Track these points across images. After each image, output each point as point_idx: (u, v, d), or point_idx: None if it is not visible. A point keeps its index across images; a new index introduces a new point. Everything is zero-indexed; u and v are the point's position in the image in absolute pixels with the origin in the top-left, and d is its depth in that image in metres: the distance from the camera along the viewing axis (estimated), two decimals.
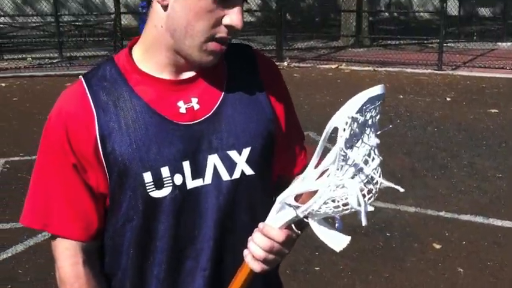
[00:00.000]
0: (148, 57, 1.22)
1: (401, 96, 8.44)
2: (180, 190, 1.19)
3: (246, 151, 1.23)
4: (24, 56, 11.43)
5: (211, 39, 1.15)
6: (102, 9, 15.88)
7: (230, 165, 1.23)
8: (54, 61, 11.20)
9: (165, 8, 1.16)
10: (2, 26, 12.49)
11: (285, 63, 11.05)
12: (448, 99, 8.32)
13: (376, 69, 10.67)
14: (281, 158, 1.33)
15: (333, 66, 10.85)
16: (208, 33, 1.14)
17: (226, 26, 1.14)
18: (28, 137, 6.18)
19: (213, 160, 1.21)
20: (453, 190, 4.93)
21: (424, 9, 19.27)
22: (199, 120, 1.21)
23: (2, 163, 5.38)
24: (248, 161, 1.24)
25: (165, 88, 1.21)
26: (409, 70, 10.54)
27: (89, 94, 1.19)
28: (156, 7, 1.17)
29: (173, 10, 1.15)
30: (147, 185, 1.18)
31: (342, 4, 14.03)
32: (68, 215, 1.23)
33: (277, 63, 10.44)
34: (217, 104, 1.23)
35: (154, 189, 1.18)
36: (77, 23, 14.12)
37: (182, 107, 1.20)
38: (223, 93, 1.24)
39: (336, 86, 9.17)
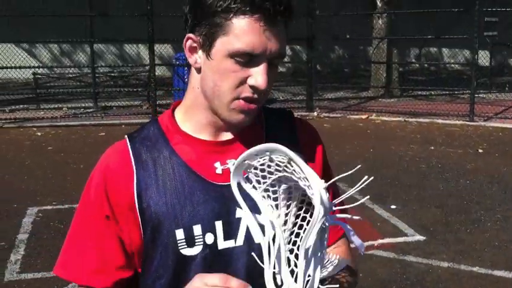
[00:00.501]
0: (189, 117, 1.27)
1: (433, 148, 8.37)
2: (210, 249, 1.21)
3: None
4: (60, 105, 11.76)
5: (238, 98, 1.18)
6: (137, 61, 16.30)
7: (263, 228, 1.23)
8: (89, 111, 11.48)
9: (198, 70, 1.22)
10: (39, 76, 12.89)
11: (315, 114, 11.12)
12: (480, 150, 8.22)
13: (406, 119, 10.64)
14: None
15: (363, 117, 10.87)
16: (233, 93, 1.17)
17: (251, 86, 1.16)
18: (61, 186, 6.30)
19: (246, 222, 1.22)
20: (487, 245, 4.81)
21: (455, 60, 19.27)
22: None
23: (35, 212, 5.47)
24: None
25: (204, 149, 1.24)
26: (440, 121, 10.48)
27: (131, 151, 1.24)
28: (192, 70, 1.24)
29: (204, 72, 1.20)
30: (178, 242, 1.20)
31: (372, 55, 14.13)
32: (98, 269, 1.26)
33: (307, 114, 10.55)
34: None
35: (185, 246, 1.20)
36: (112, 74, 14.50)
37: (219, 168, 1.23)
38: None
39: (367, 137, 9.15)
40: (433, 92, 13.57)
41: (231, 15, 1.13)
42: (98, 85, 12.55)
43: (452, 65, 19.05)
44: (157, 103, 10.99)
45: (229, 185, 1.20)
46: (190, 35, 1.20)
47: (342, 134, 9.21)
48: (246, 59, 1.14)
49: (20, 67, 11.32)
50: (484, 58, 14.07)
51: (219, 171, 1.23)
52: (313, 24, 11.43)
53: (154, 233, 1.21)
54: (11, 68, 11.21)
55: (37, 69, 12.68)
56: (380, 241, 4.86)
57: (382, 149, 8.23)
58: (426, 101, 12.49)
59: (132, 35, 12.61)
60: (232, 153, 1.24)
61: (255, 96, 1.17)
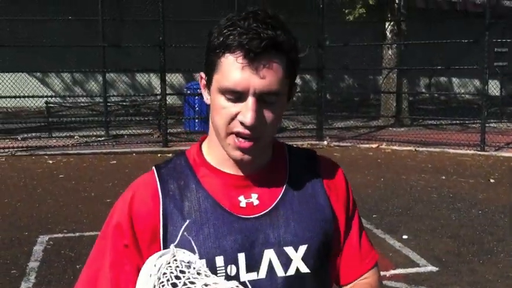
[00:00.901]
0: (212, 150, 1.31)
1: (444, 177, 8.33)
2: None
3: (303, 248, 1.26)
4: (72, 134, 11.85)
5: (230, 134, 1.21)
6: (148, 90, 16.44)
7: (286, 262, 1.25)
8: (101, 139, 11.55)
9: (210, 106, 1.27)
10: (52, 105, 13.03)
11: (325, 142, 11.12)
12: (492, 180, 8.17)
13: (417, 149, 10.62)
14: (336, 262, 1.35)
15: (374, 146, 10.86)
16: (226, 128, 1.20)
17: (240, 122, 1.19)
18: (72, 215, 6.32)
19: (269, 255, 1.24)
20: (500, 276, 4.76)
21: (465, 90, 19.29)
22: (257, 215, 1.26)
23: (46, 240, 5.48)
24: (304, 259, 1.26)
25: (228, 182, 1.28)
26: (451, 150, 10.45)
27: (158, 182, 1.28)
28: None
29: (210, 108, 1.26)
30: None
31: (382, 85, 14.18)
32: None
33: (317, 142, 10.55)
34: (276, 201, 1.28)
35: None
36: (124, 103, 14.62)
37: (242, 201, 1.27)
38: (282, 190, 1.29)
39: (377, 166, 9.14)
40: (443, 122, 13.55)
41: (220, 54, 1.18)
42: (109, 114, 12.66)
43: (463, 95, 19.06)
44: (168, 131, 11.06)
45: (253, 218, 1.25)
46: (201, 73, 1.28)
47: (352, 163, 9.20)
48: (233, 96, 1.18)
49: (32, 96, 11.45)
50: (494, 88, 14.08)
51: (243, 204, 1.26)
52: (323, 54, 11.51)
53: None
54: (24, 97, 11.33)
55: (49, 98, 12.82)
56: (392, 272, 4.82)
57: (392, 179, 8.21)
58: (437, 131, 12.47)
59: (144, 65, 12.77)
60: (255, 187, 1.28)
61: (247, 132, 1.19)
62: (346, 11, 13.56)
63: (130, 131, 12.11)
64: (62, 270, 4.73)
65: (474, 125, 12.23)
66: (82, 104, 14.13)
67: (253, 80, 1.15)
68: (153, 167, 1.32)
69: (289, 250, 1.25)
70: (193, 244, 1.19)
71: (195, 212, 1.24)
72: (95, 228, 5.82)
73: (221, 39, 1.17)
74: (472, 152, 10.31)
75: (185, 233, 1.21)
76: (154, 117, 12.68)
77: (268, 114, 1.20)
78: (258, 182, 1.28)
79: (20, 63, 12.85)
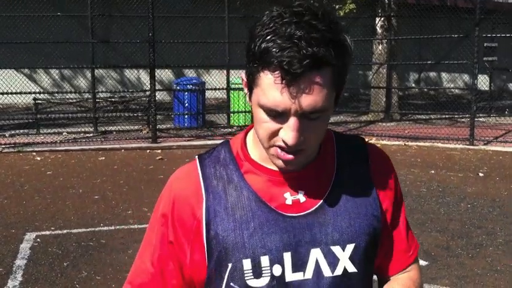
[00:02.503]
0: (256, 145, 1.24)
1: (433, 172, 8.35)
2: (278, 282, 1.18)
3: (350, 247, 1.21)
4: (60, 130, 11.77)
5: (273, 146, 1.15)
6: (137, 86, 16.36)
7: (333, 261, 1.20)
8: (89, 135, 11.48)
9: None
10: (40, 101, 12.92)
11: None
12: (480, 174, 8.19)
13: (407, 143, 10.64)
14: (381, 256, 1.31)
15: None
16: (269, 141, 1.15)
17: (282, 139, 1.13)
18: (60, 211, 6.26)
19: (316, 254, 1.20)
20: (489, 269, 4.76)
21: (455, 84, 19.35)
22: (304, 213, 1.21)
23: (33, 237, 5.42)
24: (351, 258, 1.21)
25: (273, 179, 1.22)
26: (440, 145, 10.48)
27: (201, 176, 1.24)
28: None
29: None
30: (245, 272, 1.18)
31: (371, 80, 14.19)
32: None
33: None
34: (324, 198, 1.23)
35: (252, 277, 1.18)
36: (112, 99, 14.54)
37: (288, 198, 1.22)
38: (330, 186, 1.24)
39: None
40: (433, 116, 13.60)
41: (260, 68, 1.10)
42: (98, 110, 12.58)
43: (452, 90, 19.12)
44: (157, 127, 11.01)
45: (299, 216, 1.20)
46: (243, 74, 1.20)
47: None
48: (273, 113, 1.11)
49: (20, 92, 11.34)
50: (483, 83, 14.13)
51: (288, 201, 1.21)
52: None
53: (221, 262, 1.19)
54: (12, 93, 11.23)
55: (37, 94, 12.71)
56: None
57: None
58: (426, 125, 12.50)
59: (133, 61, 12.69)
60: (302, 184, 1.23)
61: (288, 147, 1.13)
62: (337, 7, 13.53)
63: (119, 127, 12.04)
64: (49, 267, 4.69)
65: (463, 120, 12.27)
66: (70, 101, 14.02)
67: (296, 101, 1.08)
68: (196, 157, 1.28)
69: (336, 249, 1.20)
70: (238, 243, 1.17)
71: (239, 210, 1.20)
72: (82, 225, 5.79)
73: (261, 48, 1.07)
74: (461, 146, 10.34)
75: (229, 232, 1.18)
76: (144, 113, 12.61)
77: (312, 129, 1.13)
78: (305, 179, 1.23)
79: (8, 59, 12.74)
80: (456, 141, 10.57)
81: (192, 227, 1.21)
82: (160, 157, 9.30)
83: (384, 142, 10.79)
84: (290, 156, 1.14)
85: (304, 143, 1.13)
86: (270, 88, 1.09)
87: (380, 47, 13.29)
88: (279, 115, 1.10)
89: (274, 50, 1.06)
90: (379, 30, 13.34)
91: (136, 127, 12.12)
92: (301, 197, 1.22)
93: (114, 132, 11.67)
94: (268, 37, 1.07)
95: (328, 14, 1.11)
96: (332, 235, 1.20)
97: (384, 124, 12.87)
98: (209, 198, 1.21)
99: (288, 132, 1.10)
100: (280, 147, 1.14)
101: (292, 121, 1.10)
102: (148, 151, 9.89)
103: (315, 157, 1.25)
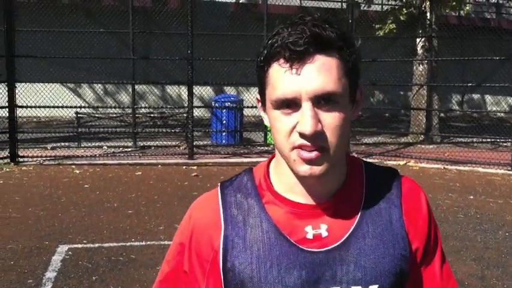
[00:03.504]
0: (279, 174, 1.21)
1: (472, 197, 8.13)
2: None
3: None
4: (100, 144, 12.00)
5: (294, 149, 1.10)
6: (178, 102, 16.58)
7: None
8: (128, 150, 11.66)
9: None
10: (82, 115, 13.22)
11: None
12: None
13: (446, 167, 10.42)
14: None
15: (401, 163, 10.69)
16: (289, 144, 1.10)
17: (300, 134, 1.08)
18: (94, 225, 6.35)
19: None
20: None
21: (499, 107, 18.91)
22: (326, 249, 1.15)
23: (65, 250, 5.50)
24: None
25: (295, 211, 1.17)
26: (480, 169, 10.22)
27: (221, 205, 1.21)
28: None
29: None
30: None
31: (411, 101, 14.00)
32: None
33: None
34: (348, 233, 1.16)
35: None
36: (152, 115, 14.77)
37: (310, 232, 1.16)
38: (356, 221, 1.17)
39: None
40: (474, 140, 13.30)
41: (266, 66, 1.11)
42: (137, 125, 12.78)
43: (495, 113, 18.69)
44: (195, 144, 11.09)
45: (320, 252, 1.15)
46: (258, 96, 1.21)
47: None
48: (288, 106, 1.08)
49: (61, 106, 11.63)
50: None
51: (309, 236, 1.15)
52: None
53: None
54: (55, 107, 11.52)
55: (79, 108, 13.01)
56: None
57: None
58: (467, 149, 12.22)
59: (173, 77, 12.86)
60: (325, 218, 1.17)
61: (309, 143, 1.07)
62: (377, 27, 13.46)
63: (157, 142, 12.19)
64: (78, 281, 4.74)
65: (506, 144, 11.95)
66: (112, 115, 14.31)
67: (303, 82, 1.05)
68: (218, 185, 1.25)
69: None
70: (254, 277, 1.13)
71: (257, 242, 1.15)
72: (114, 240, 5.85)
73: (265, 51, 1.10)
74: (502, 171, 10.06)
75: (245, 265, 1.15)
76: (182, 130, 12.74)
77: (330, 119, 1.07)
78: (329, 211, 1.17)
79: (52, 74, 13.11)
80: (497, 166, 10.29)
81: (209, 257, 1.19)
82: (195, 174, 9.35)
83: (423, 165, 10.59)
84: (312, 155, 1.07)
85: (325, 138, 1.07)
86: (278, 76, 1.08)
87: (420, 68, 13.12)
88: (291, 105, 1.07)
89: (279, 40, 1.07)
90: (419, 50, 13.18)
91: (174, 143, 12.25)
92: (323, 232, 1.16)
93: (153, 148, 11.82)
94: (272, 38, 1.10)
95: (333, 22, 1.11)
96: (354, 274, 1.14)
97: (424, 146, 12.65)
98: (228, 228, 1.18)
99: (303, 121, 1.06)
100: (300, 147, 1.08)
101: (307, 106, 1.06)
102: (184, 167, 9.97)
103: (340, 187, 1.19)
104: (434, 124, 13.45)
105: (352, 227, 1.16)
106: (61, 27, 12.88)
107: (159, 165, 10.09)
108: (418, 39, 13.21)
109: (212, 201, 1.23)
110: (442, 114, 14.60)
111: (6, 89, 10.19)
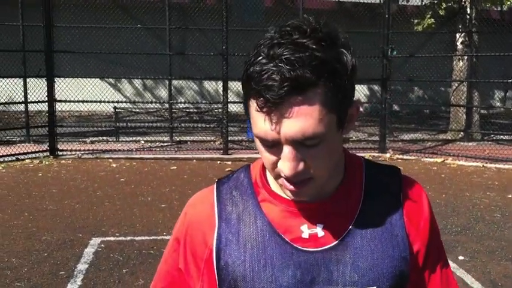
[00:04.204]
0: None
1: (510, 196, 7.92)
2: None
3: None
4: (138, 138, 12.17)
5: (280, 176, 1.07)
6: (215, 97, 16.67)
7: None
8: (164, 144, 11.79)
9: None
10: (120, 110, 13.43)
11: (387, 155, 10.86)
12: None
13: (485, 165, 10.18)
14: None
15: (439, 160, 10.50)
16: (274, 172, 1.07)
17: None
18: (127, 218, 6.45)
19: None
20: None
21: None
22: (321, 249, 1.12)
23: (97, 242, 5.60)
24: None
25: (290, 209, 1.14)
26: None
27: (216, 203, 1.19)
28: None
29: None
30: None
31: (451, 98, 13.71)
32: None
33: (379, 155, 10.27)
34: (345, 233, 1.13)
35: None
36: (189, 110, 14.89)
37: (305, 231, 1.13)
38: (353, 221, 1.14)
39: (440, 181, 8.81)
40: None
41: (247, 96, 1.04)
42: (174, 120, 12.91)
43: None
44: (230, 139, 11.13)
45: (316, 251, 1.11)
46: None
47: (413, 177, 8.82)
48: (267, 144, 1.04)
49: (100, 101, 11.82)
50: None
51: (305, 235, 1.12)
52: (387, 65, 11.27)
53: None
54: (93, 101, 11.73)
55: (118, 103, 13.21)
56: None
57: (455, 195, 7.89)
58: (508, 146, 11.91)
59: (208, 72, 12.93)
60: (322, 216, 1.14)
61: (293, 178, 1.05)
62: (415, 22, 13.23)
63: (194, 137, 12.29)
64: (108, 273, 4.82)
65: None
66: (150, 110, 14.50)
67: (281, 129, 0.99)
68: (215, 183, 1.23)
69: None
70: (247, 276, 1.12)
71: (251, 241, 1.13)
72: (146, 233, 5.92)
73: (246, 76, 1.02)
74: None
75: (239, 263, 1.13)
76: (218, 125, 12.81)
77: (314, 153, 1.02)
78: (325, 211, 1.13)
79: (93, 69, 13.35)
80: None
81: (203, 255, 1.17)
82: (229, 169, 9.39)
83: (461, 163, 10.38)
84: (298, 187, 1.06)
85: (309, 171, 1.04)
86: (257, 117, 1.02)
87: (460, 64, 12.84)
88: (272, 145, 1.03)
89: (255, 76, 0.99)
90: (459, 46, 12.89)
91: (210, 138, 12.32)
92: (319, 231, 1.12)
93: (189, 143, 11.92)
94: (253, 63, 1.01)
95: (320, 30, 1.01)
96: (350, 275, 1.10)
97: (463, 144, 12.38)
98: (221, 225, 1.15)
99: (283, 163, 1.03)
100: (285, 178, 1.06)
101: (286, 151, 1.02)
102: (219, 162, 10.02)
103: (337, 186, 1.15)
104: (475, 121, 13.15)
105: (350, 226, 1.13)
106: (98, 23, 13.08)
107: (194, 160, 10.17)
108: (457, 35, 12.93)
109: (207, 198, 1.21)
110: (483, 111, 14.25)
111: (46, 83, 10.43)
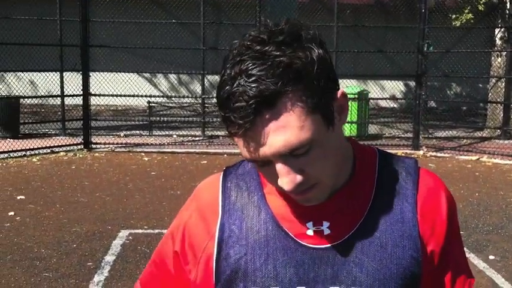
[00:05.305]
0: None
1: None
2: None
3: None
4: (170, 133, 12.28)
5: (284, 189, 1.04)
6: None
7: None
8: (196, 139, 11.87)
9: None
10: (153, 105, 13.57)
11: (421, 152, 10.70)
12: None
13: None
14: None
15: (473, 158, 10.28)
16: (277, 185, 1.04)
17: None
18: (156, 211, 6.52)
19: None
20: None
21: None
22: (326, 246, 1.07)
23: (126, 235, 5.68)
24: None
25: (296, 204, 1.08)
26: None
27: (220, 193, 1.15)
28: None
29: None
30: None
31: (489, 94, 13.41)
32: None
33: (413, 152, 10.12)
34: (353, 231, 1.08)
35: None
36: None
37: (310, 228, 1.08)
38: (362, 219, 1.08)
39: (474, 180, 8.64)
40: None
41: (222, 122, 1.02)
42: (207, 115, 12.98)
43: None
44: None
45: (320, 248, 1.07)
46: None
47: (446, 175, 8.75)
48: (257, 164, 1.02)
49: (134, 95, 11.96)
50: None
51: (310, 232, 1.08)
52: (422, 60, 11.08)
53: (228, 285, 1.10)
54: (127, 95, 11.88)
55: (152, 98, 13.35)
56: None
57: (488, 194, 7.72)
58: None
59: None
60: (329, 213, 1.09)
61: (295, 190, 1.01)
62: (453, 17, 12.97)
63: (225, 132, 12.31)
64: (135, 265, 4.88)
65: None
66: (182, 105, 14.61)
67: (264, 148, 0.96)
68: (222, 172, 1.18)
69: None
70: (248, 269, 1.08)
71: (254, 234, 1.09)
72: None
73: (216, 98, 0.99)
74: None
75: (240, 255, 1.09)
76: None
77: (308, 163, 0.99)
78: (333, 207, 1.08)
79: (128, 64, 13.52)
80: None
81: (203, 244, 1.13)
82: None
83: (496, 161, 10.14)
84: (302, 195, 1.03)
85: (309, 179, 1.00)
86: (237, 141, 0.99)
87: (499, 60, 12.53)
88: (264, 164, 1.00)
89: (221, 101, 0.97)
90: (498, 41, 12.59)
91: None
92: (325, 229, 1.08)
93: (221, 137, 11.97)
94: (220, 86, 0.98)
95: (280, 32, 0.97)
96: (356, 276, 1.05)
97: (500, 141, 12.09)
98: (225, 215, 1.11)
99: (281, 179, 0.99)
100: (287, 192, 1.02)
101: (278, 167, 0.98)
102: None
103: (346, 181, 1.10)
104: None
105: (358, 225, 1.07)
106: (133, 18, 13.24)
107: (225, 155, 10.21)
108: (496, 30, 12.62)
109: (213, 185, 1.16)
110: None
111: (81, 77, 10.61)
